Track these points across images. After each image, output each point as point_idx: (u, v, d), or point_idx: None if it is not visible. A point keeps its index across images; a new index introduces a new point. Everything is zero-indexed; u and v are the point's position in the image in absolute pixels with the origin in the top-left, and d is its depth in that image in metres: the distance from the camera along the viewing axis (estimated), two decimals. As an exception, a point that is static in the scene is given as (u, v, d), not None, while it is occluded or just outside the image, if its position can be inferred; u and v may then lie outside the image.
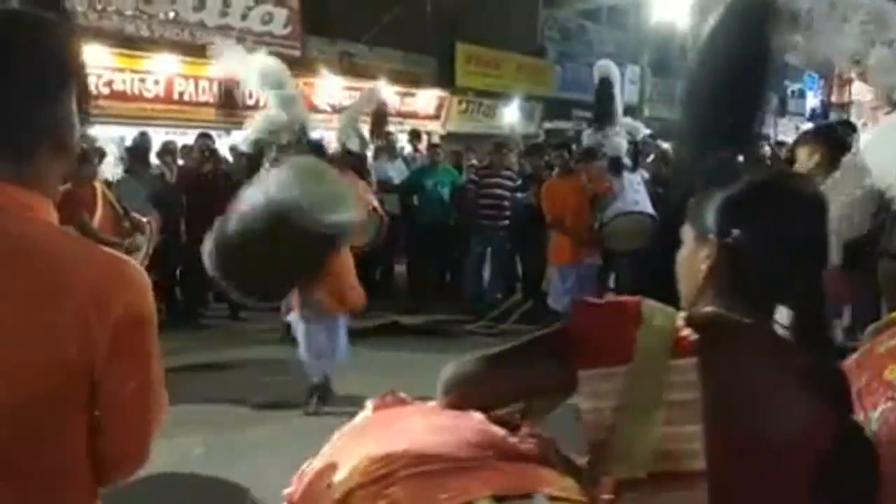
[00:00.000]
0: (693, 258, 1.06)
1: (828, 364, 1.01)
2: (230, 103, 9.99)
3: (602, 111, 6.12)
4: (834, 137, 3.33)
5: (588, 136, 6.56)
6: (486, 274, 7.24)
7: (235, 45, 4.82)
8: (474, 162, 8.85)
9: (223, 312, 6.88)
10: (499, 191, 6.97)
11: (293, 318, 4.62)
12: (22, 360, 0.91)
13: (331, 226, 2.47)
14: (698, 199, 1.06)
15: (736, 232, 0.99)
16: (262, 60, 4.84)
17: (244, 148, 4.97)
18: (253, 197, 2.58)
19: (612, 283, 7.11)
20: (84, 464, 1.00)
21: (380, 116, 7.20)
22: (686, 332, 0.97)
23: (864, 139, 1.90)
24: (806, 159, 3.14)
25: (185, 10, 9.96)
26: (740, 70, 1.48)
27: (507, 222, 6.93)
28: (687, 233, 1.08)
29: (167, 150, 7.23)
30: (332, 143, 5.95)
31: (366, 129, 6.96)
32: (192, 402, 4.43)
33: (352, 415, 1.17)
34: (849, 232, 1.75)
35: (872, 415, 1.18)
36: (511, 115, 15.14)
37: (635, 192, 5.78)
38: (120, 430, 1.02)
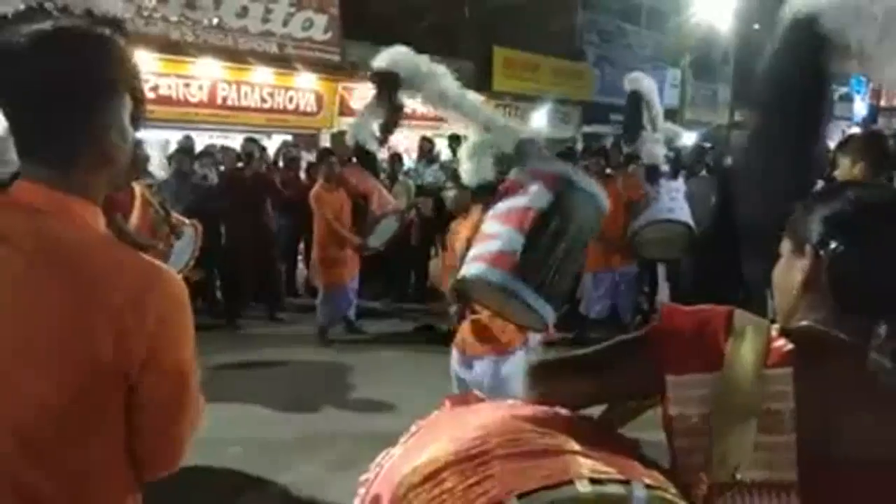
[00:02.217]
0: (789, 271, 1.05)
1: None
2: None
3: (629, 125, 6.05)
4: (879, 147, 3.22)
5: (628, 145, 6.54)
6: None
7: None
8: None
9: (262, 314, 6.99)
10: None
11: None
12: (64, 363, 0.95)
13: None
14: (798, 211, 1.06)
15: (834, 245, 0.98)
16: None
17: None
18: None
19: (647, 290, 7.02)
20: (123, 461, 1.04)
21: (395, 114, 7.03)
22: (780, 342, 0.97)
23: None
24: (849, 168, 3.03)
25: (229, 17, 10.18)
26: (799, 103, 1.49)
27: None
28: (784, 246, 1.08)
29: (208, 153, 7.38)
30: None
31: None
32: (228, 402, 4.52)
33: (385, 419, 1.18)
34: None
35: None
36: (540, 120, 15.05)
37: (671, 200, 5.64)
38: (156, 432, 1.06)
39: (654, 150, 5.78)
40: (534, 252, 3.02)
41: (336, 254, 5.98)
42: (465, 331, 3.61)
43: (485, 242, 3.17)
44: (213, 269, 6.88)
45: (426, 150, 8.29)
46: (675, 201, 5.59)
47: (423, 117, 12.99)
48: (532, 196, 3.11)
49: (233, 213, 6.50)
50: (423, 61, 3.32)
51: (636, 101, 5.87)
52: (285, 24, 10.88)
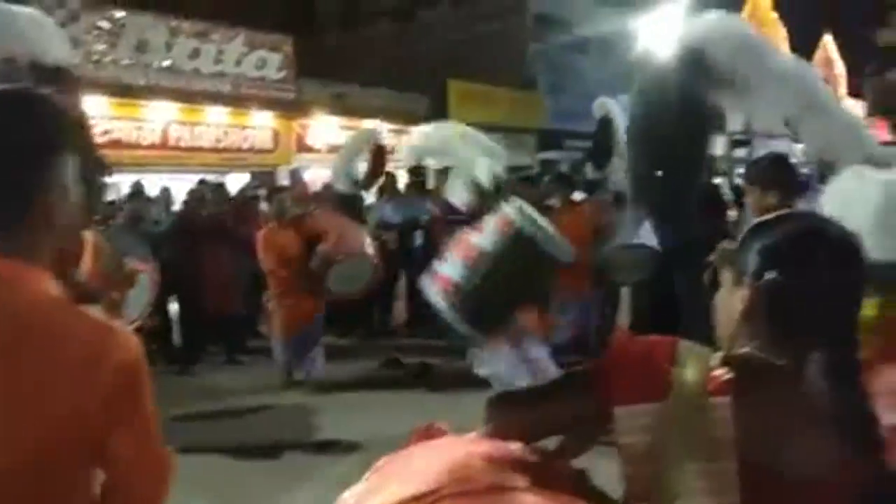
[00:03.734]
0: (730, 300, 1.09)
1: (860, 408, 1.02)
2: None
3: (599, 151, 6.08)
4: (788, 171, 3.27)
5: (591, 169, 6.59)
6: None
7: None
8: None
9: (221, 358, 6.85)
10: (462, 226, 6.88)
11: None
12: (20, 429, 0.93)
13: None
14: (738, 243, 1.10)
15: (771, 275, 1.02)
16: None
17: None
18: None
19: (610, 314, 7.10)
20: None
21: (379, 156, 7.14)
22: (720, 371, 1.00)
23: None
24: (760, 196, 2.98)
25: (181, 59, 10.15)
26: (679, 123, 1.55)
27: None
28: (724, 277, 1.12)
29: (159, 197, 7.30)
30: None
31: (363, 170, 6.94)
32: (188, 453, 4.39)
33: (355, 460, 1.17)
34: None
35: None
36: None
37: (639, 226, 5.81)
38: (129, 493, 1.03)
39: (621, 175, 5.72)
40: (467, 285, 3.59)
41: (287, 299, 5.64)
42: None
43: (440, 263, 4.00)
44: (168, 315, 6.75)
45: (389, 186, 8.31)
46: (643, 226, 5.70)
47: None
48: (484, 234, 3.68)
49: (187, 256, 6.39)
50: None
51: (606, 126, 5.89)
52: (238, 63, 10.88)
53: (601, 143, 6.06)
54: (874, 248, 1.66)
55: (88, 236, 4.78)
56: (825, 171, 2.37)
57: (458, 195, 4.55)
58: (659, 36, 13.45)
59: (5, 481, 0.93)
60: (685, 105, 1.59)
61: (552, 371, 4.73)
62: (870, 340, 1.79)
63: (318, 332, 5.87)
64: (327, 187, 7.37)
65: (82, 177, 1.08)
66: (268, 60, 11.27)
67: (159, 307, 6.23)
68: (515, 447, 1.08)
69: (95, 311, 3.44)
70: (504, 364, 4.55)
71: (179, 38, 10.12)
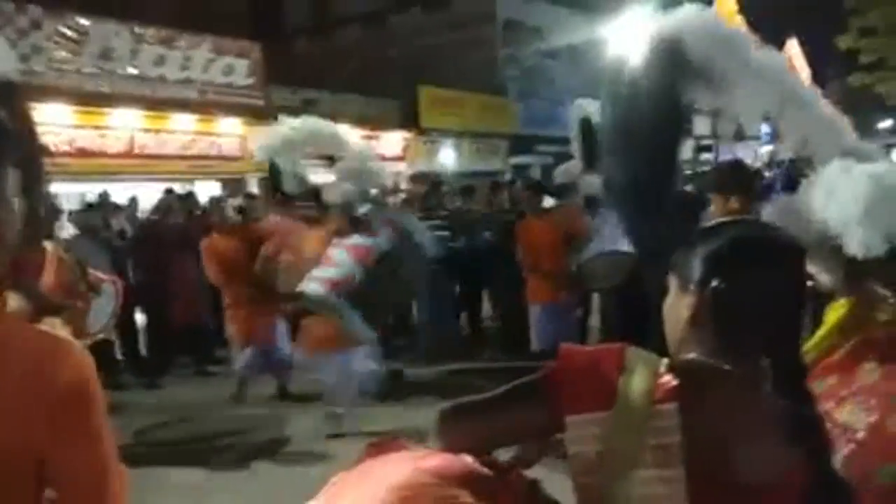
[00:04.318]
0: (677, 307, 1.09)
1: (806, 411, 1.04)
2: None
3: (587, 152, 5.84)
4: (748, 177, 3.31)
5: (561, 173, 6.35)
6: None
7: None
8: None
9: (189, 369, 6.74)
10: (437, 233, 6.45)
11: None
12: None
13: None
14: (682, 250, 1.10)
15: (716, 283, 1.03)
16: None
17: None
18: None
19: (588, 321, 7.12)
20: None
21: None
22: (667, 378, 1.00)
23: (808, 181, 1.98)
24: (723, 204, 3.03)
25: (146, 66, 9.99)
26: (653, 128, 1.54)
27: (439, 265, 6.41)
28: (671, 282, 1.12)
29: (126, 206, 7.17)
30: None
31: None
32: (154, 465, 4.31)
33: (322, 470, 1.15)
34: None
35: (836, 459, 1.20)
36: (469, 154, 15.33)
37: (615, 231, 5.71)
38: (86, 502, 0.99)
39: (593, 179, 5.64)
40: (368, 284, 4.24)
41: (239, 310, 5.40)
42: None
43: (328, 266, 4.41)
44: (135, 326, 6.62)
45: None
46: (616, 231, 5.59)
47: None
48: (378, 239, 4.40)
49: (153, 266, 6.27)
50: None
51: (588, 127, 5.73)
52: (205, 70, 10.76)
53: (587, 142, 5.84)
54: (859, 240, 1.69)
55: (50, 247, 4.69)
56: (801, 169, 2.38)
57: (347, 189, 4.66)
58: (628, 41, 13.67)
59: None
60: (661, 101, 1.58)
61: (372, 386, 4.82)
62: (841, 341, 1.82)
63: (283, 350, 5.53)
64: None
65: (25, 189, 1.05)
66: (235, 67, 11.15)
67: (126, 318, 6.12)
68: (465, 460, 1.07)
69: (56, 323, 3.34)
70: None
71: (144, 45, 9.96)
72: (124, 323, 6.14)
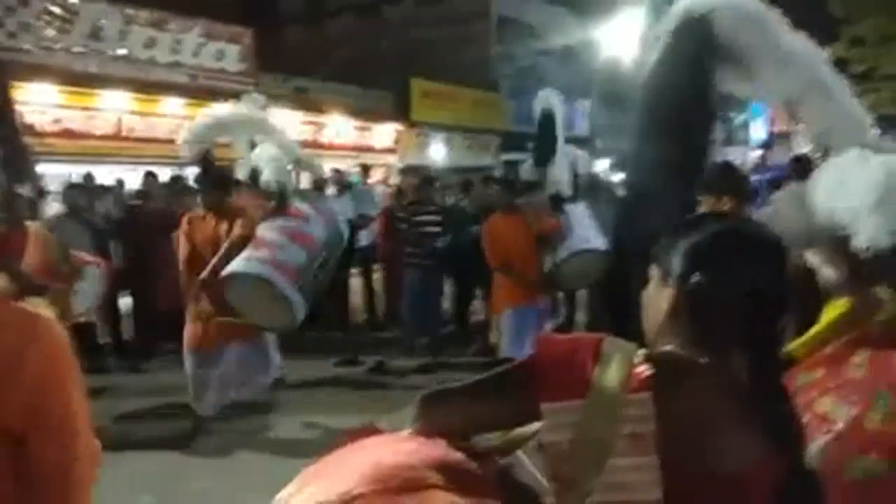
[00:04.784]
0: (656, 298, 1.10)
1: (780, 406, 1.05)
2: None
3: (544, 147, 5.65)
4: (739, 177, 3.32)
5: (525, 171, 6.09)
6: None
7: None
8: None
9: (174, 355, 6.69)
10: (427, 228, 6.49)
11: None
12: None
13: None
14: (664, 242, 1.11)
15: (696, 276, 1.04)
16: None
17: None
18: None
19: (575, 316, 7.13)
20: None
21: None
22: (642, 367, 1.01)
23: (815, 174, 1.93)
24: (715, 204, 3.02)
25: (136, 47, 9.86)
26: (683, 106, 1.52)
27: (431, 261, 6.47)
28: (652, 273, 1.13)
29: (112, 189, 7.09)
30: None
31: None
32: (139, 450, 4.28)
33: (307, 461, 1.14)
34: None
35: (812, 449, 1.21)
36: (459, 149, 15.30)
37: (585, 229, 5.36)
38: (50, 488, 0.99)
39: (560, 176, 5.53)
40: (307, 268, 4.24)
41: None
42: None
43: (267, 249, 4.26)
44: (118, 310, 6.56)
45: (340, 182, 8.24)
46: (588, 229, 5.37)
47: (332, 147, 13.00)
48: (316, 226, 4.45)
49: (138, 250, 6.21)
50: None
51: (549, 121, 5.57)
52: (196, 55, 10.63)
53: (544, 137, 5.61)
54: (867, 232, 1.68)
55: (33, 228, 4.63)
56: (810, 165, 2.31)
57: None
58: (621, 42, 13.67)
59: None
60: (689, 78, 1.55)
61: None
62: (835, 337, 1.81)
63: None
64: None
65: (6, 166, 1.04)
66: (226, 52, 11.04)
67: (110, 302, 6.06)
68: (439, 446, 1.09)
69: (40, 304, 3.29)
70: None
71: (134, 27, 9.83)
72: (108, 306, 6.08)
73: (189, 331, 4.64)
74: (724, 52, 1.65)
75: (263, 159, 4.65)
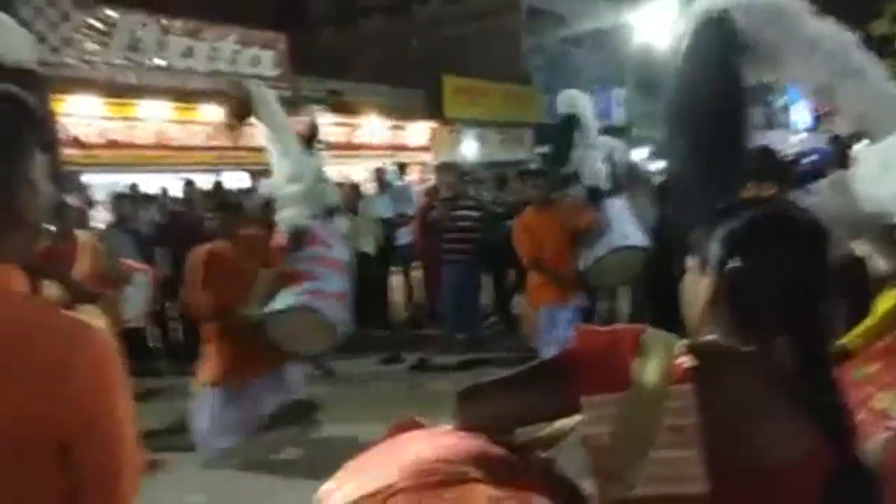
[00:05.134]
0: (695, 287, 1.09)
1: (827, 395, 1.02)
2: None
3: (559, 149, 5.39)
4: (778, 162, 3.23)
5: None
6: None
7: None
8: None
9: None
10: (464, 223, 6.41)
11: None
12: None
13: None
14: (701, 230, 1.10)
15: (734, 263, 1.02)
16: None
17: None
18: None
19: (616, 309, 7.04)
20: None
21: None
22: (683, 359, 0.99)
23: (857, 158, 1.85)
24: (757, 191, 2.98)
25: (174, 57, 10.09)
26: (711, 101, 1.49)
27: (471, 256, 6.43)
28: (690, 262, 1.11)
29: (153, 198, 7.28)
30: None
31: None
32: (190, 449, 4.37)
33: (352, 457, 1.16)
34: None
35: (870, 446, 1.17)
36: (493, 144, 15.22)
37: (623, 224, 5.10)
38: (96, 493, 1.00)
39: (596, 168, 5.27)
40: (345, 291, 4.24)
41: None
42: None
43: (312, 282, 4.19)
44: (165, 315, 6.72)
45: (380, 181, 8.31)
46: (627, 224, 5.14)
47: (367, 147, 13.09)
48: (339, 250, 4.49)
49: (177, 257, 6.37)
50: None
51: (569, 124, 5.27)
52: (232, 62, 10.83)
53: (562, 140, 5.31)
54: None
55: (83, 237, 4.78)
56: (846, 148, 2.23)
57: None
58: (654, 28, 13.45)
59: None
60: (715, 77, 1.52)
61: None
62: (889, 329, 1.75)
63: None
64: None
65: (50, 174, 1.07)
66: (262, 58, 11.22)
67: (158, 307, 6.22)
68: (479, 440, 1.08)
69: (92, 311, 3.40)
70: None
71: (172, 37, 10.06)
72: (156, 311, 6.24)
73: (214, 365, 4.22)
74: (749, 47, 1.61)
75: (286, 197, 4.42)
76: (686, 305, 1.12)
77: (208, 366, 4.23)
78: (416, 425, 1.18)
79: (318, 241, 4.38)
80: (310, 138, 5.01)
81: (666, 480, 0.95)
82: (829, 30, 1.72)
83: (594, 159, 5.31)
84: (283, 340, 4.14)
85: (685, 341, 1.04)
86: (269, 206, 4.87)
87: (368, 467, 1.07)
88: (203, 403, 4.17)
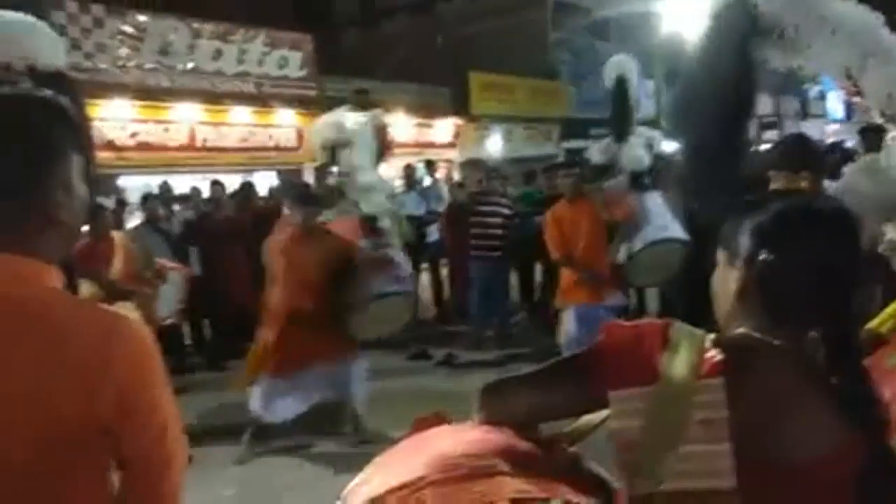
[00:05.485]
0: (725, 281, 1.09)
1: (859, 386, 1.01)
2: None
3: (619, 118, 5.04)
4: (814, 151, 3.15)
5: (597, 151, 5.39)
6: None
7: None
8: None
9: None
10: (492, 219, 6.39)
11: None
12: (27, 421, 0.94)
13: None
14: (730, 222, 1.09)
15: (763, 255, 1.02)
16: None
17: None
18: None
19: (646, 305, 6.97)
20: None
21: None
22: (712, 352, 0.99)
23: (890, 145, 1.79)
24: (791, 181, 2.92)
25: (203, 60, 10.25)
26: (727, 89, 1.47)
27: (499, 253, 6.42)
28: (719, 256, 1.11)
29: (184, 198, 7.42)
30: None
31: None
32: (222, 444, 4.45)
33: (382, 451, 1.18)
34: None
35: None
36: (520, 139, 15.13)
37: (662, 216, 4.83)
38: (143, 484, 1.03)
39: (637, 153, 4.99)
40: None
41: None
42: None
43: (397, 267, 4.57)
44: (198, 313, 6.84)
45: (410, 178, 8.34)
46: (665, 216, 4.86)
47: (398, 144, 13.11)
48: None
49: (205, 256, 6.49)
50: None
51: (623, 88, 4.97)
52: (260, 63, 10.96)
53: (620, 107, 5.01)
54: None
55: (118, 237, 4.89)
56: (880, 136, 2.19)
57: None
58: (681, 17, 13.22)
59: (9, 478, 0.93)
60: (733, 62, 1.50)
61: None
62: None
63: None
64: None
65: (86, 175, 1.10)
66: (289, 59, 11.33)
67: (191, 305, 6.33)
68: (505, 433, 1.09)
69: (127, 309, 3.50)
70: None
71: (202, 40, 10.22)
72: (190, 309, 6.37)
73: (271, 353, 4.30)
74: (771, 31, 1.59)
75: (364, 185, 4.63)
76: (716, 299, 1.12)
77: (265, 354, 4.34)
78: (441, 421, 1.19)
79: (385, 230, 4.70)
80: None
81: (695, 475, 0.94)
82: (853, 10, 1.68)
83: (636, 144, 5.05)
84: (370, 324, 4.40)
85: (714, 335, 1.03)
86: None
87: (394, 463, 1.08)
88: (260, 388, 4.33)
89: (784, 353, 1.00)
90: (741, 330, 1.04)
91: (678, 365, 0.97)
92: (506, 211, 6.54)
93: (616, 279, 4.90)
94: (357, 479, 1.09)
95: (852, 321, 1.05)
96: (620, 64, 5.12)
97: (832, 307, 1.02)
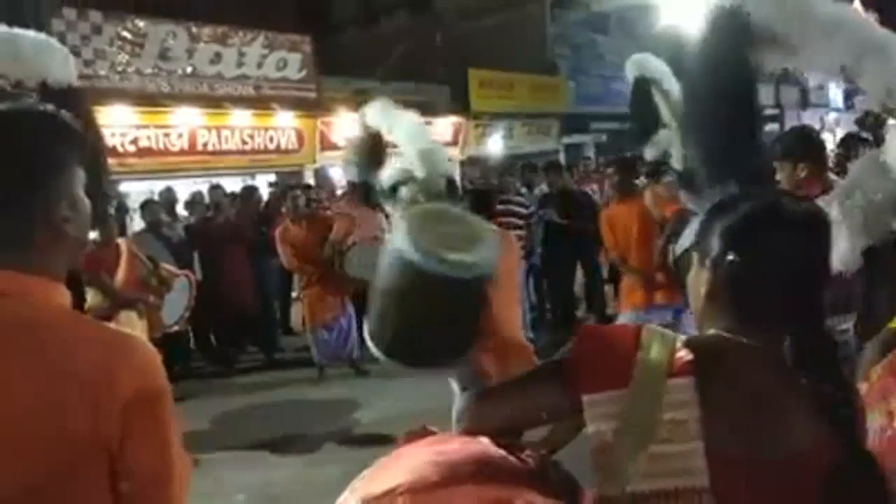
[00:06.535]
0: (697, 281, 1.09)
1: (831, 386, 1.01)
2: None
3: (640, 120, 5.15)
4: (816, 142, 3.15)
5: (650, 148, 5.36)
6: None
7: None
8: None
9: (259, 357, 6.96)
10: (508, 219, 6.19)
11: None
12: (35, 439, 0.94)
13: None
14: (702, 222, 1.10)
15: (731, 257, 1.02)
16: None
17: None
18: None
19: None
20: None
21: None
22: (682, 353, 1.00)
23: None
24: (791, 171, 2.91)
25: (202, 64, 10.24)
26: (724, 95, 1.47)
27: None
28: (693, 256, 1.12)
29: (193, 201, 7.41)
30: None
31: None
32: (230, 449, 4.46)
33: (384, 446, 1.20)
34: (867, 237, 1.67)
35: None
36: (520, 135, 15.11)
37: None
38: (146, 500, 1.03)
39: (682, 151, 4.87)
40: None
41: (310, 290, 6.05)
42: None
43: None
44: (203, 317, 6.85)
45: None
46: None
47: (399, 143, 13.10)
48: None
49: (206, 261, 6.52)
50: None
51: (643, 88, 4.96)
52: (259, 66, 10.95)
53: (642, 106, 5.05)
54: None
55: (123, 244, 4.89)
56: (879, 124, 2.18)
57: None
58: (679, 10, 13.19)
59: (16, 497, 0.94)
60: (730, 71, 1.50)
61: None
62: None
63: (349, 321, 6.04)
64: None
65: (93, 190, 1.10)
66: (288, 61, 11.32)
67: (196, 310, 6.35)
68: (481, 443, 1.10)
69: (133, 316, 3.50)
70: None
71: (200, 44, 10.21)
72: (194, 314, 6.38)
73: (309, 312, 6.02)
74: (766, 39, 1.59)
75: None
76: (690, 299, 1.13)
77: (307, 313, 6.06)
78: (427, 433, 1.21)
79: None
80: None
81: (668, 474, 0.95)
82: (847, 12, 1.68)
83: (673, 139, 4.90)
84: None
85: (685, 336, 1.04)
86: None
87: (379, 473, 1.10)
88: (313, 341, 5.99)
89: (754, 352, 1.01)
90: (712, 331, 1.05)
91: (649, 366, 0.98)
92: (522, 210, 6.47)
93: (670, 279, 4.58)
94: (346, 491, 1.11)
95: (821, 321, 1.05)
96: (639, 63, 5.07)
97: (801, 307, 1.02)
